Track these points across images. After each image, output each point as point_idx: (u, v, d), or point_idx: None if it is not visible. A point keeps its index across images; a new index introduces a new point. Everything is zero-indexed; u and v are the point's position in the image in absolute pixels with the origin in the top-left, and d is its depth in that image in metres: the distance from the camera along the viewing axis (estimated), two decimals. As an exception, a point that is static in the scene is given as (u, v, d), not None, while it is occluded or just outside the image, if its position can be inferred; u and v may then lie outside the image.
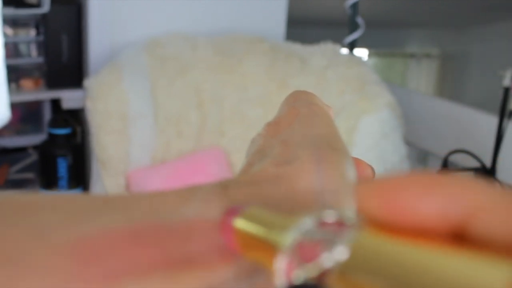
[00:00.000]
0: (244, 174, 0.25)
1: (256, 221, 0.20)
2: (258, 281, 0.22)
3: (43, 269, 0.20)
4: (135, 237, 0.21)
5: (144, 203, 0.22)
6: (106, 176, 1.47)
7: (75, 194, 0.23)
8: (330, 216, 0.18)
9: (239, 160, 1.59)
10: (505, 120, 1.46)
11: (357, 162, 0.27)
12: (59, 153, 1.56)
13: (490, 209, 0.15)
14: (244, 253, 0.20)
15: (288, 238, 0.18)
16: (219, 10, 1.74)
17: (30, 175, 1.70)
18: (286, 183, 0.23)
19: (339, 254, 0.16)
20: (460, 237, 0.15)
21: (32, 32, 1.60)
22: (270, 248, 0.18)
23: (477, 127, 1.66)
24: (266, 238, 0.19)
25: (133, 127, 1.47)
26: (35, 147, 1.68)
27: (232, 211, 0.21)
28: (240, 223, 0.20)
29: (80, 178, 1.63)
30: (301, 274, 0.17)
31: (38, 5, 1.55)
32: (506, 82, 1.43)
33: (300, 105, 0.27)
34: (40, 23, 1.60)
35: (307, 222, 0.18)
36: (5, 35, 1.51)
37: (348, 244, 0.16)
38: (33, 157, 1.70)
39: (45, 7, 1.54)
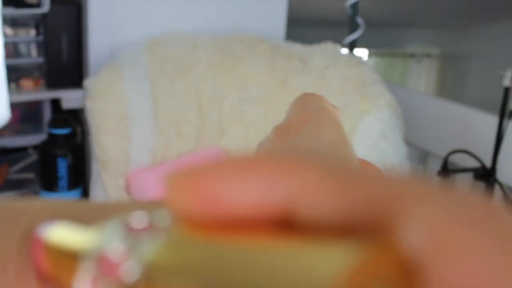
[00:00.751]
0: None
1: (68, 234, 0.17)
2: None
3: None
4: None
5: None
6: (106, 176, 1.47)
7: (76, 200, 0.23)
8: (138, 219, 0.15)
9: (239, 160, 1.59)
10: (505, 120, 1.46)
11: (367, 165, 0.26)
12: (59, 153, 1.56)
13: (313, 189, 0.13)
14: (54, 274, 0.17)
15: (88, 251, 0.16)
16: (219, 10, 1.74)
17: (30, 175, 1.70)
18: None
19: (138, 262, 0.14)
20: (288, 225, 0.13)
21: (32, 32, 1.60)
22: (76, 264, 0.16)
23: (477, 127, 1.66)
24: (74, 251, 0.16)
25: (133, 127, 1.47)
26: (35, 147, 1.68)
27: (45, 224, 0.18)
28: (52, 236, 0.17)
29: (80, 178, 1.63)
30: None
31: (38, 5, 1.55)
32: (506, 82, 1.43)
33: (310, 109, 0.26)
34: (40, 23, 1.60)
35: (111, 229, 0.15)
36: (5, 35, 1.51)
37: (153, 248, 0.14)
38: (33, 157, 1.70)
39: (45, 7, 1.54)
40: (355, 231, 0.12)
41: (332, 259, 0.11)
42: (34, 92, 1.61)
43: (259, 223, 0.13)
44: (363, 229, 0.12)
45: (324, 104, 0.27)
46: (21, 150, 1.70)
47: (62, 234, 0.17)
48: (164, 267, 0.14)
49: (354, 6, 1.81)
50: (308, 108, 0.26)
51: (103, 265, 0.15)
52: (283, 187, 0.13)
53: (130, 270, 0.14)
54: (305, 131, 0.25)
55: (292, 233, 0.13)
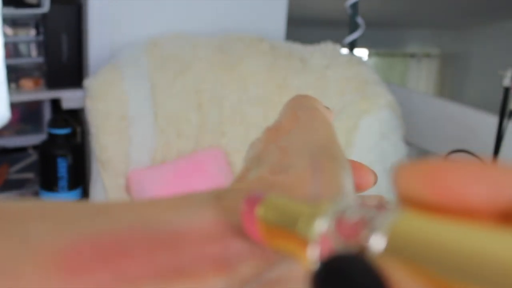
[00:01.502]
0: (239, 181, 0.24)
1: (280, 208, 0.20)
2: None
3: (30, 282, 0.19)
4: (123, 247, 0.20)
5: (135, 212, 0.22)
6: (106, 176, 1.47)
7: (67, 202, 0.23)
8: (370, 199, 0.17)
9: (239, 160, 1.59)
10: (505, 120, 1.46)
11: (359, 167, 0.26)
12: (59, 153, 1.56)
13: None
14: (269, 243, 0.20)
15: (324, 217, 0.17)
16: (219, 10, 1.74)
17: (30, 175, 1.70)
18: (281, 192, 0.22)
19: (380, 231, 0.15)
20: (506, 219, 0.15)
21: (32, 32, 1.60)
22: (298, 235, 0.18)
23: (477, 127, 1.66)
24: (294, 224, 0.18)
25: (133, 127, 1.47)
26: (35, 147, 1.68)
27: (253, 201, 0.20)
28: (263, 212, 0.20)
29: (80, 178, 1.63)
30: (341, 250, 0.16)
31: (38, 5, 1.55)
32: (506, 82, 1.43)
33: (300, 110, 0.27)
34: (40, 23, 1.60)
35: (346, 202, 0.17)
36: (5, 35, 1.51)
37: (389, 223, 0.16)
38: (33, 157, 1.70)
39: (45, 7, 1.54)
40: None
41: None
42: (34, 92, 1.62)
43: (483, 215, 0.15)
44: None
45: (316, 104, 0.27)
46: (21, 150, 1.70)
47: (276, 207, 0.20)
48: (395, 243, 0.15)
49: (354, 6, 1.81)
50: (298, 109, 0.27)
51: (341, 227, 0.17)
52: (509, 187, 0.15)
53: (375, 239, 0.15)
54: (293, 131, 0.25)
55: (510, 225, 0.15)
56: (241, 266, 0.21)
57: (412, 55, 3.22)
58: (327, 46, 1.67)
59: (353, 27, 1.82)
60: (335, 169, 0.23)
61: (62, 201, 0.23)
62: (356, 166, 0.26)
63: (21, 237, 0.20)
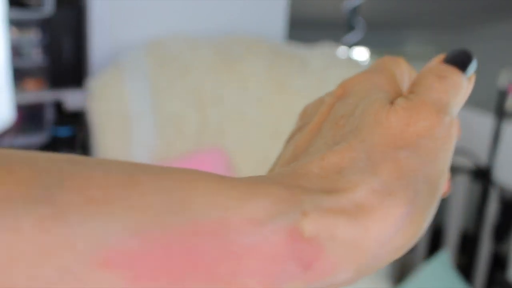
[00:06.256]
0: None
1: None
2: None
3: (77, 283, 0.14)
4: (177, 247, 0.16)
5: (195, 199, 0.16)
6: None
7: (92, 158, 0.17)
8: None
9: (239, 160, 1.60)
10: (502, 121, 1.47)
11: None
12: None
13: None
14: None
15: None
16: (219, 11, 1.75)
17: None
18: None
19: None
20: None
21: (35, 34, 1.62)
22: None
23: (474, 127, 1.67)
24: None
25: (134, 128, 1.48)
26: (37, 148, 1.70)
27: None
28: None
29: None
30: None
31: (41, 7, 1.57)
32: (502, 83, 1.45)
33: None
34: (43, 25, 1.62)
35: None
36: (8, 36, 1.53)
37: None
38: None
39: (48, 9, 1.56)
40: None
41: None
42: (37, 93, 1.63)
43: None
44: None
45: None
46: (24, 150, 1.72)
47: None
48: None
49: (354, 7, 1.82)
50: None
51: None
52: None
53: None
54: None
55: None
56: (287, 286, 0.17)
57: (411, 56, 3.22)
58: (327, 47, 1.68)
59: (353, 28, 1.84)
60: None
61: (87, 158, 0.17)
62: None
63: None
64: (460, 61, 0.22)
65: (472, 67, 0.22)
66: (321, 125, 0.22)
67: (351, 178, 0.18)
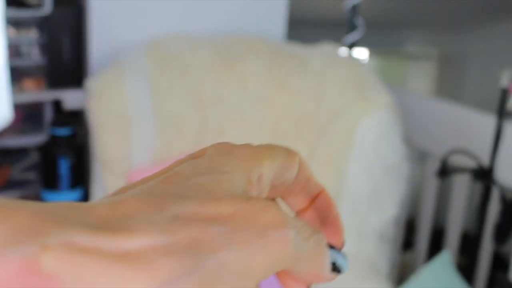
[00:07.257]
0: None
1: None
2: None
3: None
4: None
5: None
6: (107, 176, 1.48)
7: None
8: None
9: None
10: (504, 120, 1.46)
11: (336, 229, 0.26)
12: (60, 154, 1.57)
13: None
14: None
15: None
16: (219, 11, 1.75)
17: (31, 176, 1.71)
18: None
19: None
20: None
21: (34, 33, 1.62)
22: None
23: (475, 127, 1.67)
24: None
25: (134, 127, 1.48)
26: (37, 148, 1.69)
27: None
28: None
29: (81, 178, 1.64)
30: None
31: (40, 7, 1.56)
32: (504, 82, 1.44)
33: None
34: (42, 24, 1.61)
35: None
36: (7, 36, 1.52)
37: None
38: (34, 157, 1.71)
39: (47, 9, 1.55)
40: None
41: None
42: (36, 93, 1.63)
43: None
44: None
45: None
46: (23, 150, 1.71)
47: None
48: None
49: (354, 6, 1.82)
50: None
51: None
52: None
53: None
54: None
55: None
56: None
57: (412, 56, 3.22)
58: (327, 47, 1.68)
59: (353, 27, 1.83)
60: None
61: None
62: (334, 225, 0.26)
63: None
64: (338, 267, 0.23)
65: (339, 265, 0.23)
66: (164, 172, 0.22)
67: (137, 225, 0.18)
